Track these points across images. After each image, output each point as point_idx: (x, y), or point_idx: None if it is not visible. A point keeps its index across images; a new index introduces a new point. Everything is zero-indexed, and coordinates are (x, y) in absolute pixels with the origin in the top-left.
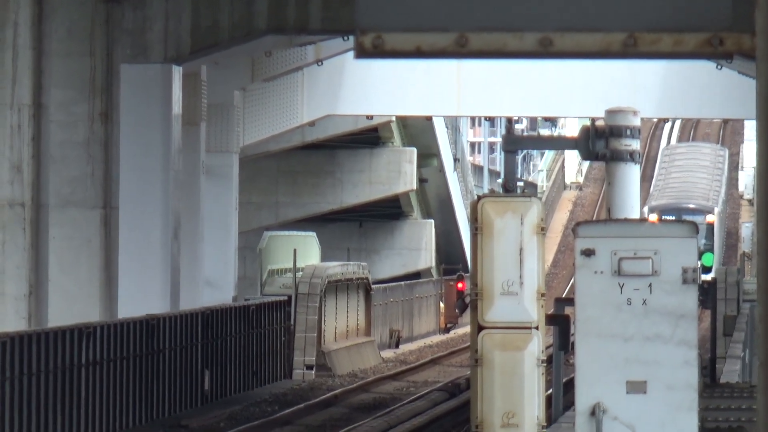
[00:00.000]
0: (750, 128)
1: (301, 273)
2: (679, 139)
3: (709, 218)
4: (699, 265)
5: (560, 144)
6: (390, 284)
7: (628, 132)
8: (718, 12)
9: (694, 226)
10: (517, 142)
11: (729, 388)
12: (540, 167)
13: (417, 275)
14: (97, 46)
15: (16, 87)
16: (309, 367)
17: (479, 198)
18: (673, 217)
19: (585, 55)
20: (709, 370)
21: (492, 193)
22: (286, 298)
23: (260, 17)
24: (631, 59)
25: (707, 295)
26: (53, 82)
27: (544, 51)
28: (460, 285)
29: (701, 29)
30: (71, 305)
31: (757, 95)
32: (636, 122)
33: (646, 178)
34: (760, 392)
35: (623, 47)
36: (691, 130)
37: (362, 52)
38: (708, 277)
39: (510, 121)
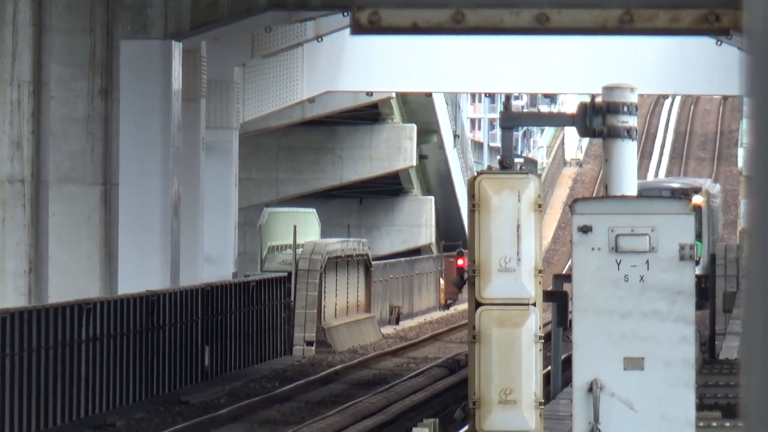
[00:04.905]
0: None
1: (301, 249)
2: (679, 117)
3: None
4: (695, 243)
5: (558, 121)
6: (390, 261)
7: (625, 108)
8: None
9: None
10: (515, 119)
11: (728, 364)
12: (540, 144)
13: (417, 252)
14: (97, 22)
15: (16, 63)
16: (309, 344)
17: (476, 175)
18: None
19: (581, 32)
20: (708, 347)
21: (489, 169)
22: (286, 274)
23: None
24: (627, 35)
25: (701, 295)
26: (53, 59)
27: (541, 27)
28: (460, 261)
29: (697, 5)
30: (71, 282)
31: (744, 70)
32: (633, 99)
33: (646, 155)
34: (744, 370)
35: (620, 23)
36: (692, 106)
37: (358, 28)
38: (698, 270)
39: (508, 98)
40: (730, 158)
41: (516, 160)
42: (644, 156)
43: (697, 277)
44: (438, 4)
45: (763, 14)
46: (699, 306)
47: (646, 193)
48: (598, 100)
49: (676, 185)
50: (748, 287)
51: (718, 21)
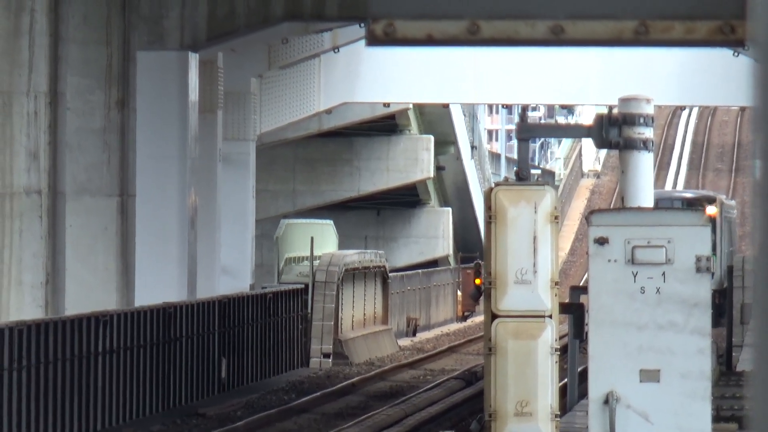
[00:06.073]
0: None
1: (318, 261)
2: (696, 128)
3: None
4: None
5: (574, 132)
6: (407, 272)
7: (642, 120)
8: (729, 0)
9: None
10: (531, 130)
11: (745, 376)
12: (557, 155)
13: (434, 263)
14: (113, 33)
15: (33, 74)
16: (326, 356)
17: (493, 186)
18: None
19: (596, 43)
20: (725, 359)
21: (506, 181)
22: (303, 286)
23: (277, 4)
24: (642, 47)
25: (715, 311)
26: (70, 70)
27: (556, 39)
28: (477, 281)
29: (713, 17)
30: (88, 293)
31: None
32: (649, 110)
33: (663, 167)
34: (753, 380)
35: (635, 35)
36: (709, 117)
37: (374, 40)
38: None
39: (524, 109)
40: (748, 169)
41: (533, 171)
42: (662, 167)
43: (716, 292)
44: (453, 16)
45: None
46: (713, 323)
47: (660, 204)
48: (615, 111)
49: (688, 195)
50: (757, 297)
51: (733, 32)
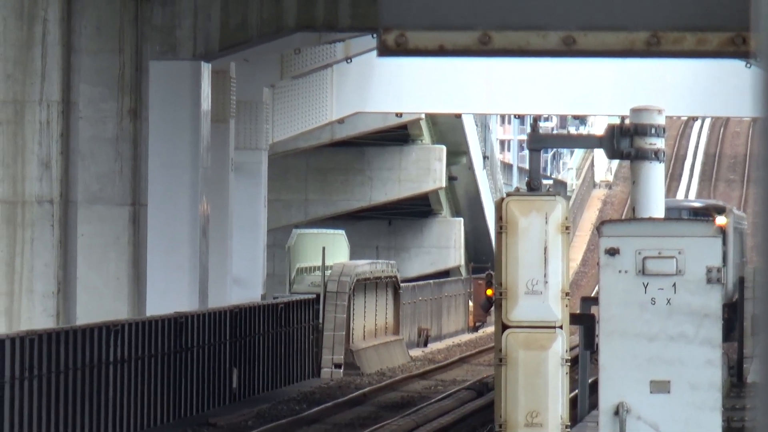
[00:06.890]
0: None
1: (329, 271)
2: (709, 138)
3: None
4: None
5: (585, 142)
6: (419, 283)
7: (653, 130)
8: (740, 11)
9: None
10: (542, 141)
11: (751, 386)
12: (569, 165)
13: (446, 274)
14: (126, 43)
15: (45, 84)
16: (337, 366)
17: (504, 196)
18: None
19: (608, 54)
20: (736, 370)
21: (517, 191)
22: (314, 296)
23: (289, 14)
24: (654, 58)
25: (728, 325)
26: (82, 79)
27: (567, 49)
28: (489, 292)
29: (724, 28)
30: (99, 303)
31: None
32: (660, 121)
33: (675, 177)
34: (759, 390)
35: (646, 46)
36: (721, 128)
37: (385, 50)
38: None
39: (535, 119)
40: (757, 180)
41: (545, 181)
42: (674, 178)
43: (727, 305)
44: (465, 27)
45: None
46: (724, 336)
47: (667, 213)
48: (627, 122)
49: (697, 205)
50: (762, 308)
51: (744, 44)
